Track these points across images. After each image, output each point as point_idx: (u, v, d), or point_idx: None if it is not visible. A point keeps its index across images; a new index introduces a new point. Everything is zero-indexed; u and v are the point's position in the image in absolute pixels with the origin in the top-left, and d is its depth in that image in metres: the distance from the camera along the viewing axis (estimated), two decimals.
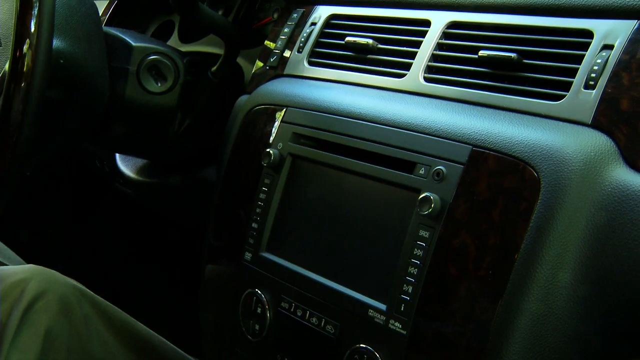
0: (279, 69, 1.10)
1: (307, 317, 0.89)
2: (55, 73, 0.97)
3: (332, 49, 1.04)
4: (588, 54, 0.78)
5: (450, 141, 0.80)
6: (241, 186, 1.01)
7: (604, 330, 0.74)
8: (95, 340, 1.02)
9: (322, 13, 1.08)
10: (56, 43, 0.98)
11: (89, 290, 1.06)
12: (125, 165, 1.39)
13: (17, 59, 0.79)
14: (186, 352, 1.22)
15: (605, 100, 0.75)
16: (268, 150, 0.96)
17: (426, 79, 0.91)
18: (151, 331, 1.12)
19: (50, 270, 1.04)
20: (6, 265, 1.22)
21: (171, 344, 1.15)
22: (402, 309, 0.79)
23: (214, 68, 1.16)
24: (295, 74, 1.07)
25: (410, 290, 0.78)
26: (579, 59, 0.79)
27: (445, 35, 0.92)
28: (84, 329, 1.01)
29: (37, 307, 0.96)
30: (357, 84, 0.98)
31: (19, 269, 1.02)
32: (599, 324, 0.73)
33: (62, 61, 0.98)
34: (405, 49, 0.95)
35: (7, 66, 0.80)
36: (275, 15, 1.24)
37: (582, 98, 0.77)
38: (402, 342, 0.79)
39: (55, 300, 0.99)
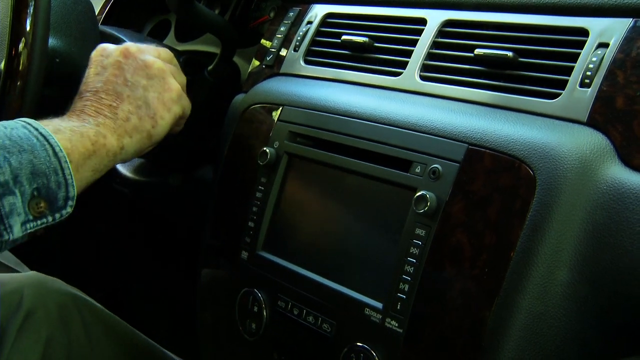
0: (275, 68, 1.10)
1: (303, 316, 0.89)
2: (51, 72, 0.96)
3: (328, 48, 1.04)
4: (583, 52, 0.79)
5: (446, 139, 0.80)
6: (238, 185, 1.01)
7: (601, 328, 0.74)
8: (95, 348, 1.02)
9: (318, 12, 1.08)
10: (52, 42, 0.97)
11: (88, 298, 1.06)
12: (122, 165, 1.39)
13: (12, 58, 0.79)
14: (183, 351, 1.22)
15: (601, 99, 0.75)
16: (264, 149, 0.96)
17: (422, 78, 0.91)
18: (150, 340, 1.12)
19: (49, 278, 1.04)
20: (5, 264, 1.22)
21: (171, 353, 1.15)
22: (398, 307, 0.79)
23: (210, 67, 1.16)
24: (292, 72, 1.07)
25: (406, 289, 0.79)
26: (574, 58, 0.79)
27: (441, 33, 0.92)
28: (84, 337, 1.01)
29: (36, 316, 0.96)
30: (353, 82, 0.98)
31: (17, 277, 1.01)
32: (596, 322, 0.73)
33: (57, 60, 0.98)
34: (401, 47, 0.95)
35: (2, 65, 0.80)
36: (272, 14, 1.24)
37: (578, 96, 0.77)
38: (399, 341, 0.79)
39: (55, 309, 0.98)
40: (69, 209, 0.70)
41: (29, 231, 0.67)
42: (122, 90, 0.81)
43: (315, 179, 0.92)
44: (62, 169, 0.68)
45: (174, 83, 0.86)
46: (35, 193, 0.66)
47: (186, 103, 0.89)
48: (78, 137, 0.73)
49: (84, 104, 0.79)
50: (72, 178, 0.69)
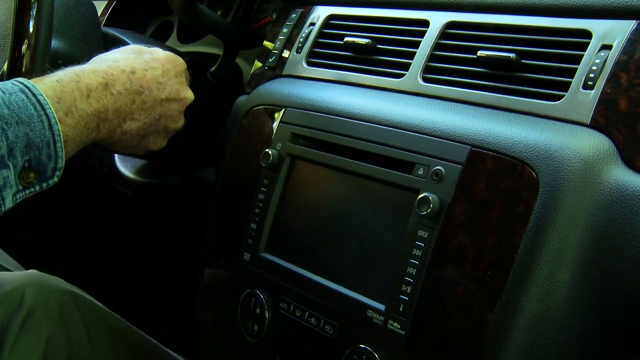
0: (277, 69, 1.10)
1: (306, 318, 0.89)
2: None
3: (331, 49, 1.04)
4: (586, 54, 0.79)
5: (449, 141, 0.80)
6: (240, 186, 1.01)
7: (604, 330, 0.74)
8: (95, 347, 1.02)
9: (320, 13, 1.08)
10: (54, 44, 0.97)
11: (89, 296, 1.06)
12: (124, 166, 1.39)
13: (15, 60, 0.79)
14: (185, 353, 1.22)
15: (604, 101, 0.75)
16: (267, 150, 0.96)
17: (425, 79, 0.91)
18: (151, 339, 1.12)
19: (50, 277, 1.04)
20: (3, 266, 1.22)
21: (171, 352, 1.15)
22: (400, 309, 0.79)
23: (212, 68, 1.16)
24: (294, 74, 1.07)
25: (409, 291, 0.78)
26: (577, 60, 0.79)
27: (443, 35, 0.92)
28: (85, 336, 1.01)
29: (37, 315, 0.96)
30: (356, 84, 0.98)
31: (18, 276, 1.01)
32: (599, 324, 0.73)
33: (60, 62, 0.98)
34: (403, 49, 0.95)
35: (5, 66, 0.80)
36: (274, 16, 1.24)
37: (581, 98, 0.77)
38: (401, 343, 0.79)
39: (55, 308, 0.98)
40: (56, 179, 0.70)
41: (17, 201, 0.68)
42: (150, 114, 0.82)
43: (317, 180, 0.92)
44: (55, 142, 0.68)
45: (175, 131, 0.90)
46: (26, 165, 0.67)
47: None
48: (82, 127, 0.73)
49: (119, 90, 0.77)
50: (62, 151, 0.69)
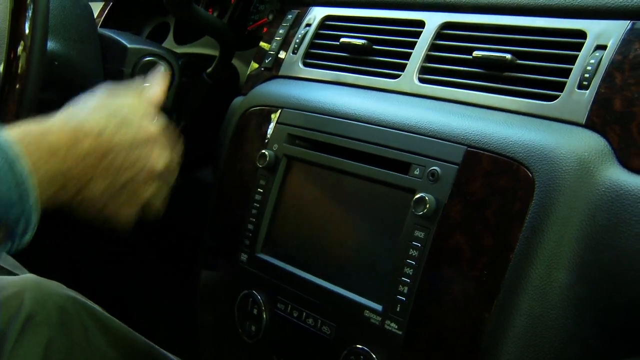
0: (274, 70, 1.10)
1: (303, 318, 0.89)
2: (50, 75, 0.97)
3: (327, 50, 1.04)
4: (581, 54, 0.79)
5: (445, 142, 0.80)
6: (237, 187, 1.01)
7: (601, 329, 0.74)
8: (95, 352, 1.02)
9: (316, 14, 1.08)
10: (50, 45, 0.98)
11: (88, 301, 1.05)
12: None
13: (11, 61, 0.79)
14: (183, 353, 1.22)
15: (599, 101, 0.75)
16: (263, 151, 0.96)
17: (420, 80, 0.91)
18: (150, 342, 1.12)
19: (50, 281, 1.03)
20: (2, 267, 1.22)
21: (171, 355, 1.15)
22: (397, 309, 0.79)
23: (209, 69, 1.16)
24: (290, 75, 1.07)
25: (405, 291, 0.79)
26: (572, 60, 0.79)
27: (439, 36, 0.92)
28: (84, 341, 1.01)
29: (36, 320, 0.96)
30: (352, 85, 0.98)
31: (17, 280, 1.01)
32: (596, 323, 0.74)
33: (56, 63, 0.98)
34: (399, 49, 0.95)
35: (1, 68, 0.80)
36: (270, 17, 1.24)
37: (576, 98, 0.77)
38: (398, 343, 0.79)
39: (54, 313, 0.98)
40: (28, 237, 0.67)
41: None
42: (115, 179, 0.74)
43: (314, 181, 0.93)
44: (23, 202, 0.65)
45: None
46: None
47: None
48: (45, 185, 0.68)
49: (86, 151, 0.71)
50: (32, 209, 0.65)
